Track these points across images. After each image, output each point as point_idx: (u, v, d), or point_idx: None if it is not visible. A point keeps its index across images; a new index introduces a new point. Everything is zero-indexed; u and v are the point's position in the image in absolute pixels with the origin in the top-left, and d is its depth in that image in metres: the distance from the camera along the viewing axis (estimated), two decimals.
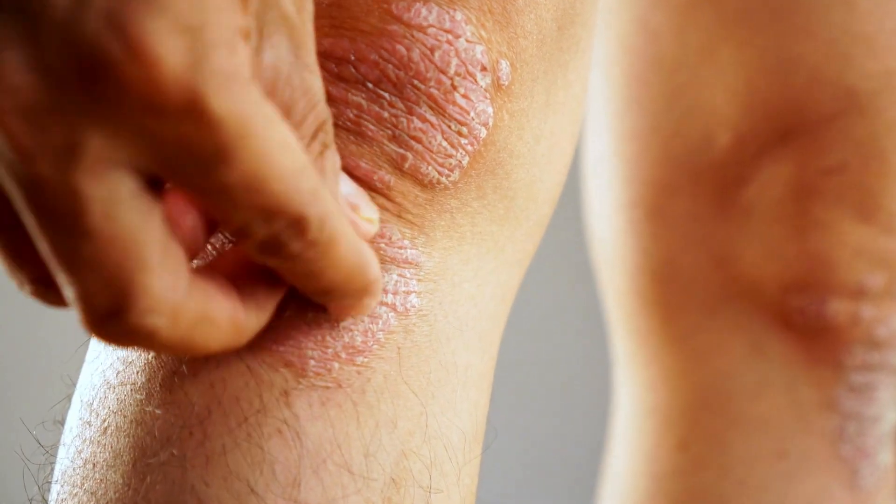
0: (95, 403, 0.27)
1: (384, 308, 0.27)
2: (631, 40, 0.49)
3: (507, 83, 0.28)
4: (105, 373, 0.27)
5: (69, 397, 0.29)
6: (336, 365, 0.26)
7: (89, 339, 0.30)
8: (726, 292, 0.48)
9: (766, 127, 0.46)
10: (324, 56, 0.26)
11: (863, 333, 0.46)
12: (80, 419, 0.27)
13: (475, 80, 0.27)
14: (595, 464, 0.61)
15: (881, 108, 0.45)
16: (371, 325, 0.27)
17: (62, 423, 0.29)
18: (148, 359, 0.27)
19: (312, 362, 0.26)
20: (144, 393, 0.26)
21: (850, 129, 0.45)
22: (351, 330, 0.27)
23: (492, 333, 0.31)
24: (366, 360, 0.27)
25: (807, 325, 0.46)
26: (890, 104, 0.45)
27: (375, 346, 0.27)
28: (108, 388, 0.27)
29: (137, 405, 0.26)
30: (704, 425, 0.48)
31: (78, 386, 0.29)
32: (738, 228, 0.47)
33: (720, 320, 0.48)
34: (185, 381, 0.26)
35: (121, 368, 0.27)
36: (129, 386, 0.27)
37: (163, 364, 0.26)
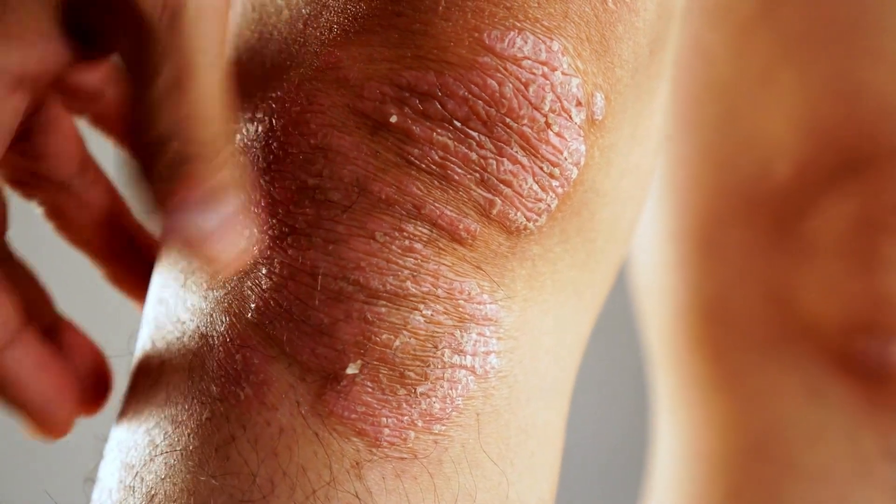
0: (140, 467, 0.25)
1: (463, 371, 0.25)
2: (684, 60, 0.47)
3: (601, 118, 0.26)
4: (150, 432, 0.25)
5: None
6: (412, 434, 0.24)
7: (123, 394, 0.28)
8: (782, 332, 0.46)
9: (830, 157, 0.44)
10: (407, 90, 0.24)
11: None
12: (122, 483, 0.25)
13: (570, 117, 0.25)
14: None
15: None
16: (450, 391, 0.25)
17: (92, 480, 0.27)
18: (201, 420, 0.24)
19: (387, 431, 0.24)
20: (197, 459, 0.24)
21: None
22: (429, 396, 0.25)
23: (567, 385, 0.29)
24: (444, 428, 0.25)
25: (868, 368, 0.44)
26: None
27: (454, 413, 0.25)
28: (155, 451, 0.25)
29: (190, 473, 0.24)
30: (757, 473, 0.46)
31: (115, 442, 0.27)
32: (797, 264, 0.45)
33: (775, 362, 0.46)
34: (245, 448, 0.24)
35: (169, 429, 0.25)
36: (179, 450, 0.24)
37: (218, 427, 0.24)
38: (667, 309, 0.48)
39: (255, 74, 0.26)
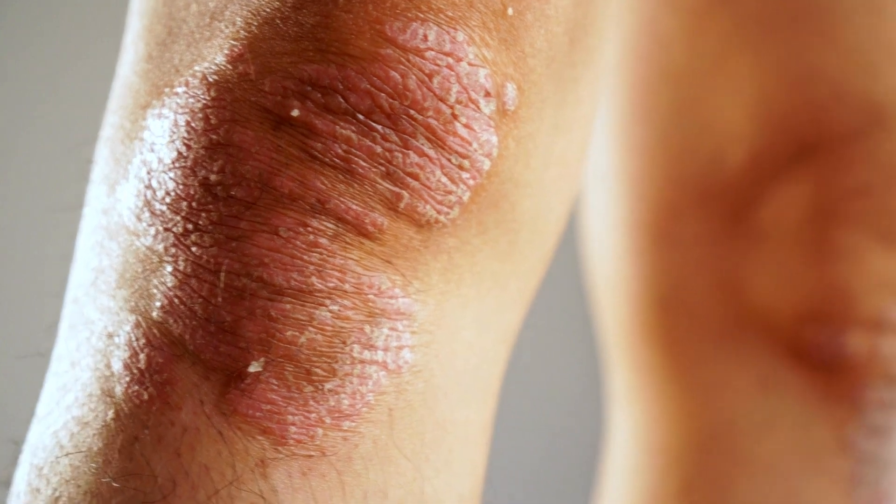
0: (46, 469, 0.25)
1: (374, 367, 0.25)
2: (639, 46, 0.47)
3: (513, 108, 0.26)
4: (58, 434, 0.25)
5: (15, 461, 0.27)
6: (320, 431, 0.25)
7: (40, 393, 0.28)
8: (736, 322, 0.46)
9: (784, 144, 0.45)
10: (309, 84, 0.24)
11: (883, 369, 0.45)
12: (29, 485, 0.25)
13: (478, 108, 0.25)
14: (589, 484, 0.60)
15: None
16: (360, 387, 0.25)
17: (8, 485, 0.27)
18: (106, 420, 0.25)
19: (293, 428, 0.24)
20: (101, 460, 0.24)
21: (875, 147, 0.44)
22: (337, 392, 0.25)
23: (492, 381, 0.29)
24: (353, 424, 0.25)
25: (822, 359, 0.45)
26: None
27: (364, 409, 0.25)
28: (61, 452, 0.25)
29: (93, 474, 0.24)
30: (709, 466, 0.46)
31: (26, 444, 0.27)
32: (751, 254, 0.45)
33: (729, 352, 0.46)
34: (148, 449, 0.24)
35: (75, 430, 0.25)
36: (83, 452, 0.25)
37: (122, 428, 0.24)
38: (620, 299, 0.48)
39: (164, 70, 0.26)
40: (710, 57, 0.45)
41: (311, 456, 0.24)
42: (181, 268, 0.25)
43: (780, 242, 0.45)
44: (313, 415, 0.24)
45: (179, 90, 0.25)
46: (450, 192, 0.25)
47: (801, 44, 0.44)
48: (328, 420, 0.25)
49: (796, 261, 0.45)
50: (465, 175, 0.25)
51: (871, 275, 0.44)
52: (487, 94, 0.25)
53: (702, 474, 0.46)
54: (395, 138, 0.25)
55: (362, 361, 0.25)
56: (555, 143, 0.28)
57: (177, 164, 0.25)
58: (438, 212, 0.25)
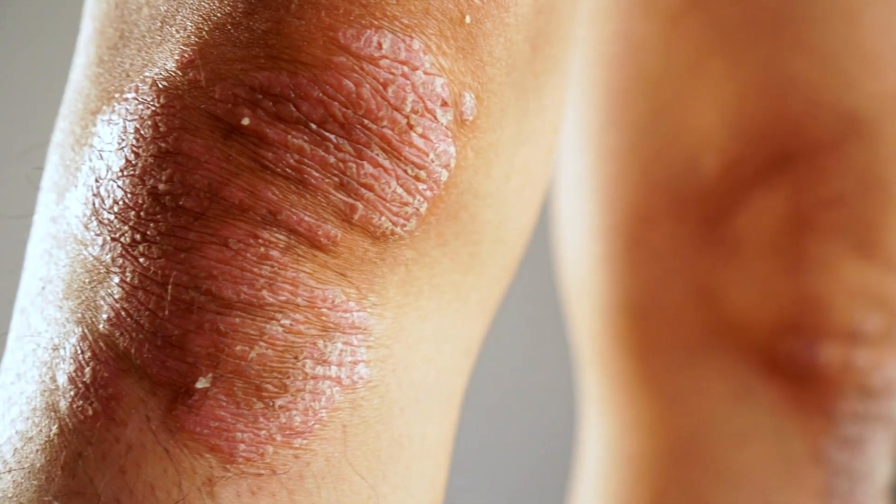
0: None
1: (327, 382, 0.25)
2: (613, 51, 0.47)
3: (471, 118, 0.25)
4: (2, 449, 0.25)
5: None
6: (270, 449, 0.24)
7: None
8: (710, 332, 0.46)
9: (759, 152, 0.44)
10: (260, 92, 0.24)
11: (857, 381, 0.44)
12: None
13: (435, 118, 0.25)
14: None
15: (884, 133, 0.43)
16: (312, 403, 0.24)
17: None
18: (49, 436, 0.24)
19: (242, 446, 0.24)
20: (44, 477, 0.24)
21: (850, 156, 0.43)
22: (288, 409, 0.24)
23: (453, 395, 0.29)
24: (305, 441, 0.24)
25: (796, 370, 0.44)
26: (893, 130, 0.43)
27: (317, 426, 0.25)
28: (4, 468, 0.24)
29: (35, 492, 0.24)
30: (682, 476, 0.46)
31: None
32: (725, 263, 0.45)
33: (702, 362, 0.46)
34: (91, 466, 0.23)
35: (19, 445, 0.24)
36: (27, 468, 0.24)
37: (66, 444, 0.24)
38: (594, 307, 0.48)
39: (115, 74, 0.26)
40: (685, 63, 0.45)
41: (260, 474, 0.24)
42: (128, 279, 0.24)
43: (754, 252, 0.45)
44: (263, 432, 0.24)
45: (129, 96, 0.25)
46: (406, 204, 0.25)
47: (776, 52, 0.44)
48: (279, 437, 0.24)
49: (771, 270, 0.44)
50: (421, 186, 0.25)
51: (845, 285, 0.44)
52: (444, 104, 0.25)
53: (674, 484, 0.46)
54: (348, 148, 0.24)
55: (315, 377, 0.24)
56: (517, 153, 0.28)
57: (125, 173, 0.24)
58: (395, 223, 0.25)
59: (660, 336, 0.46)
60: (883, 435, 0.46)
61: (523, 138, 0.28)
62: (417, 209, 0.25)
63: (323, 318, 0.24)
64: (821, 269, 0.44)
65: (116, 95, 0.25)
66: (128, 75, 0.25)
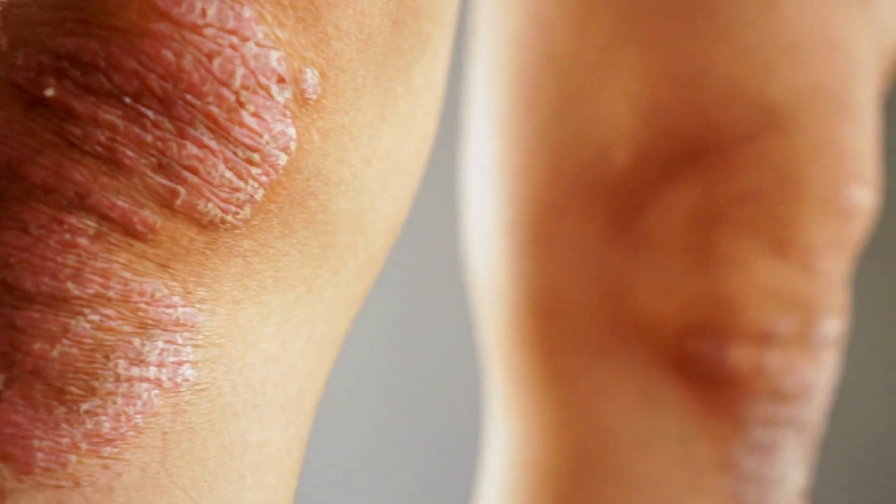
0: None
1: (144, 385, 0.22)
2: (523, 36, 0.44)
3: (315, 97, 0.23)
4: None
5: None
6: (73, 458, 0.22)
7: None
8: (617, 331, 0.44)
9: (671, 144, 0.42)
10: (67, 59, 0.21)
11: (768, 385, 0.43)
12: None
13: (269, 95, 0.22)
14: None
15: (802, 128, 0.42)
16: (125, 408, 0.22)
17: None
18: None
19: (40, 455, 0.21)
20: None
21: (766, 151, 0.42)
22: (96, 414, 0.22)
23: (302, 399, 0.26)
24: (116, 450, 0.22)
25: (704, 372, 0.43)
26: (812, 124, 0.42)
27: (131, 433, 0.22)
28: None
29: None
30: (586, 483, 0.44)
31: None
32: (634, 259, 0.43)
33: (609, 363, 0.44)
34: None
35: None
36: None
37: None
38: (499, 304, 0.46)
39: None
40: (597, 50, 0.43)
41: (61, 486, 0.21)
42: None
43: (664, 248, 0.43)
44: (65, 439, 0.21)
45: None
46: (237, 189, 0.23)
47: (692, 41, 0.42)
48: (84, 445, 0.22)
49: (681, 268, 0.42)
50: (255, 170, 0.23)
51: (758, 285, 0.42)
52: (281, 80, 0.22)
53: (577, 491, 0.44)
54: (168, 126, 0.22)
55: (129, 379, 0.22)
56: (380, 138, 0.26)
57: None
58: (225, 211, 0.23)
59: (566, 336, 0.44)
60: (795, 441, 0.44)
61: (388, 122, 0.26)
62: (252, 195, 0.23)
63: (140, 313, 0.22)
64: (732, 267, 0.42)
65: None
66: None
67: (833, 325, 0.43)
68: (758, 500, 0.44)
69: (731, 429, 0.43)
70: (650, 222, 0.43)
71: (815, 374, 0.44)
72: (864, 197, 0.42)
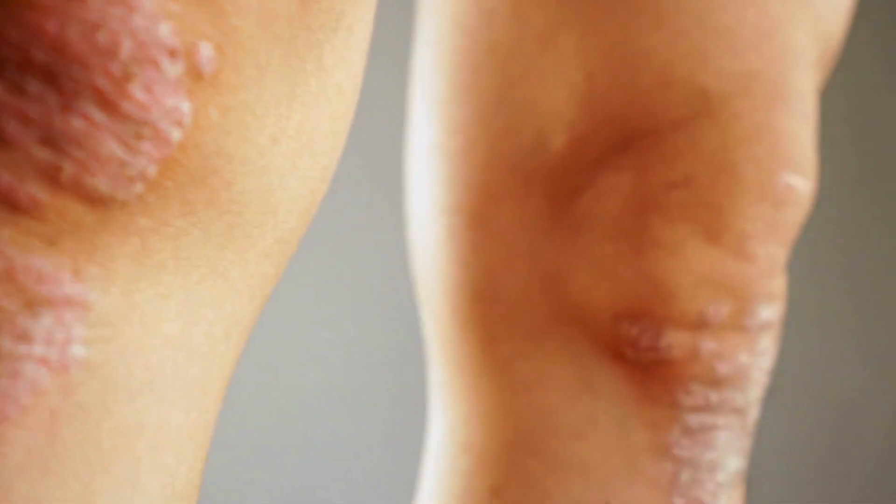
0: None
1: (31, 364, 0.22)
2: (463, 19, 0.44)
3: (211, 72, 0.23)
4: None
5: None
6: None
7: None
8: (555, 317, 0.44)
9: (607, 129, 0.42)
10: None
11: (702, 370, 0.43)
12: None
13: (159, 68, 0.22)
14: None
15: (736, 114, 0.42)
16: (10, 388, 0.22)
17: None
18: None
19: None
20: None
21: (700, 137, 0.42)
22: None
23: (206, 381, 0.26)
24: None
25: (639, 358, 0.43)
26: (746, 111, 0.42)
27: (15, 413, 0.22)
28: None
29: None
30: (521, 468, 0.44)
31: None
32: (570, 245, 0.43)
33: (546, 348, 0.44)
34: None
35: None
36: None
37: None
38: (438, 290, 0.46)
39: None
40: (536, 34, 0.43)
41: None
42: None
43: (600, 234, 0.43)
44: None
45: None
46: (127, 165, 0.22)
47: (628, 26, 0.42)
48: None
49: (615, 254, 0.42)
50: (145, 145, 0.22)
51: (692, 271, 0.42)
52: (173, 54, 0.22)
53: (513, 476, 0.44)
54: (53, 99, 0.21)
55: (13, 357, 0.22)
56: (289, 116, 0.25)
57: None
58: (114, 187, 0.22)
59: (504, 321, 0.44)
60: (732, 427, 0.44)
61: (298, 100, 0.26)
62: (144, 172, 0.23)
63: (26, 290, 0.22)
64: (666, 253, 0.42)
65: None
66: None
67: (770, 312, 0.44)
68: (692, 484, 0.44)
69: (667, 414, 0.43)
70: (586, 208, 0.43)
71: (752, 360, 0.44)
72: (799, 184, 0.43)
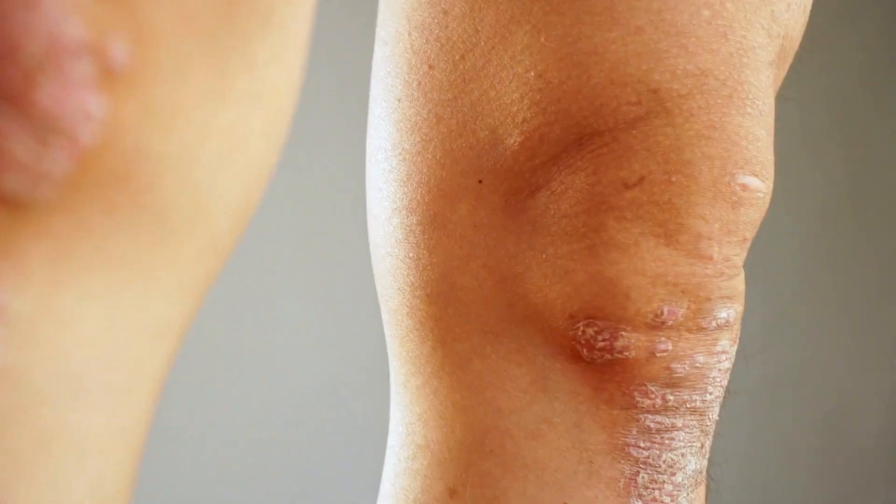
0: None
1: None
2: (418, 16, 0.44)
3: (125, 68, 0.23)
4: None
5: None
6: None
7: None
8: (511, 316, 0.43)
9: (561, 128, 0.42)
10: None
11: (659, 371, 0.43)
12: None
13: (67, 65, 0.22)
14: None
15: (689, 113, 0.41)
16: None
17: None
18: None
19: None
20: None
21: (653, 136, 0.41)
22: None
23: (135, 383, 0.26)
24: None
25: (595, 359, 0.42)
26: (699, 110, 0.41)
27: None
28: None
29: None
30: (477, 468, 0.44)
31: None
32: (526, 244, 0.43)
33: (502, 348, 0.44)
34: None
35: None
36: None
37: None
38: (395, 289, 0.45)
39: None
40: (489, 32, 0.43)
41: None
42: None
43: (554, 234, 0.42)
44: None
45: None
46: (36, 165, 0.22)
47: (580, 23, 0.41)
48: None
49: (570, 254, 0.42)
50: (57, 145, 0.22)
51: (647, 272, 0.42)
52: (81, 50, 0.22)
53: (469, 477, 0.44)
54: None
55: None
56: (216, 115, 0.25)
57: None
58: (24, 187, 0.22)
59: (459, 320, 0.44)
60: (688, 426, 0.44)
61: (227, 98, 0.25)
62: (60, 171, 0.22)
63: None
64: (620, 253, 0.42)
65: None
66: None
67: (727, 312, 0.43)
68: (650, 485, 0.44)
69: (624, 415, 0.43)
70: (541, 207, 0.42)
71: (710, 361, 0.43)
72: (755, 184, 0.42)
